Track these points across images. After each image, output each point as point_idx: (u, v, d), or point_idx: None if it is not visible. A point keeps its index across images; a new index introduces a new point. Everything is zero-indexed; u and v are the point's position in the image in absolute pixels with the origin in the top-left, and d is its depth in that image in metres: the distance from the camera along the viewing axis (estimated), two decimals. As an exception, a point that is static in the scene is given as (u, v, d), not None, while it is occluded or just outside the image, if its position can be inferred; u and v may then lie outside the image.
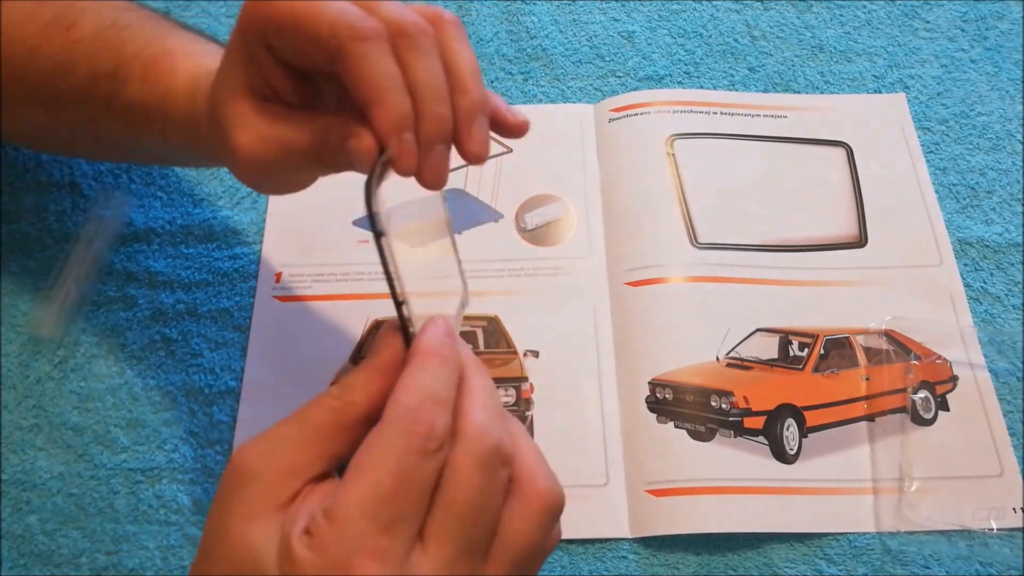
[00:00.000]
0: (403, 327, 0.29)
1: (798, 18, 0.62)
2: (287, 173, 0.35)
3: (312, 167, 0.34)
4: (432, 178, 0.30)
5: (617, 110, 0.57)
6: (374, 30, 0.29)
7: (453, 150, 0.31)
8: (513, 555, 0.28)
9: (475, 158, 0.31)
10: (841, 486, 0.45)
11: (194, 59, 0.39)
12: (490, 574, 0.27)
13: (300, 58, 0.31)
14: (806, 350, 0.48)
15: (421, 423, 0.26)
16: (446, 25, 0.31)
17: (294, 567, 0.25)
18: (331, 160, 0.32)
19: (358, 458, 0.27)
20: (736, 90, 0.59)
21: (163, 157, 0.48)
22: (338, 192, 0.54)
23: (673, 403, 0.46)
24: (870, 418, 0.46)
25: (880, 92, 0.59)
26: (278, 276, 0.51)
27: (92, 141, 0.46)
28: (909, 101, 0.58)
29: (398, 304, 0.29)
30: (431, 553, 0.26)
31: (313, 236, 0.52)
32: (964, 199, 0.54)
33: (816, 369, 0.48)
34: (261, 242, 0.52)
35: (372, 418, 0.28)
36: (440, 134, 0.30)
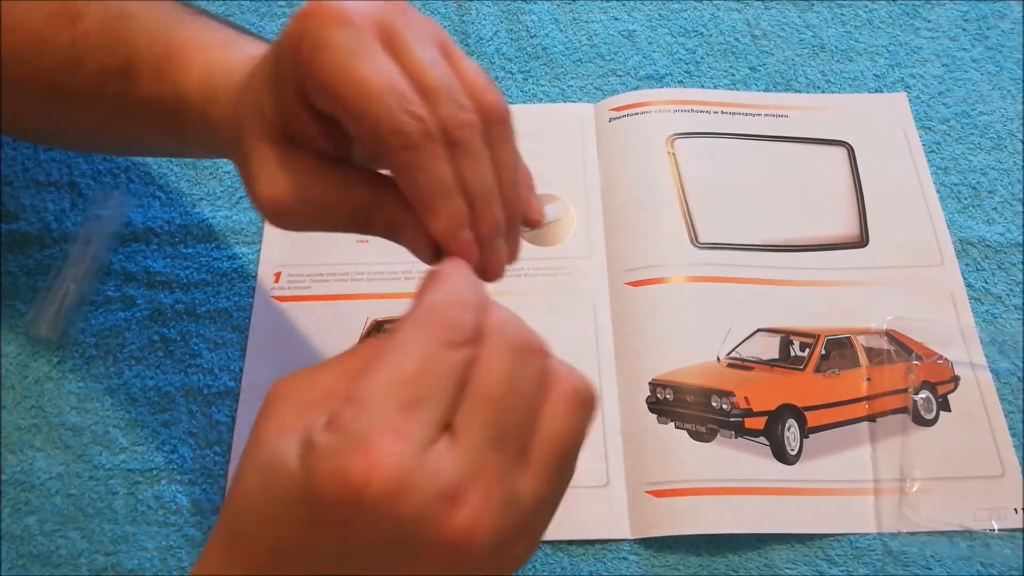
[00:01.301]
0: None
1: (799, 17, 0.62)
2: (315, 228, 0.33)
3: (344, 230, 0.32)
4: (494, 272, 0.31)
5: (617, 109, 0.57)
6: (424, 134, 0.27)
7: None
8: (551, 451, 0.26)
9: (510, 261, 0.32)
10: (842, 487, 0.44)
11: (207, 53, 0.35)
12: (530, 470, 0.26)
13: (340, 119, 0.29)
14: (807, 350, 0.48)
15: (447, 316, 0.25)
16: (494, 126, 0.29)
17: (312, 453, 0.24)
18: (368, 231, 0.31)
19: (379, 351, 0.25)
20: (737, 89, 0.58)
21: (181, 152, 0.47)
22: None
23: (674, 403, 0.46)
24: (871, 418, 0.46)
25: (881, 91, 0.58)
26: (277, 276, 0.51)
27: (104, 138, 0.44)
28: (910, 100, 0.58)
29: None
30: (458, 441, 0.24)
31: (312, 236, 0.51)
32: (965, 199, 0.54)
33: (817, 369, 0.48)
34: (260, 242, 0.52)
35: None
36: (496, 232, 0.30)
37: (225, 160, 0.55)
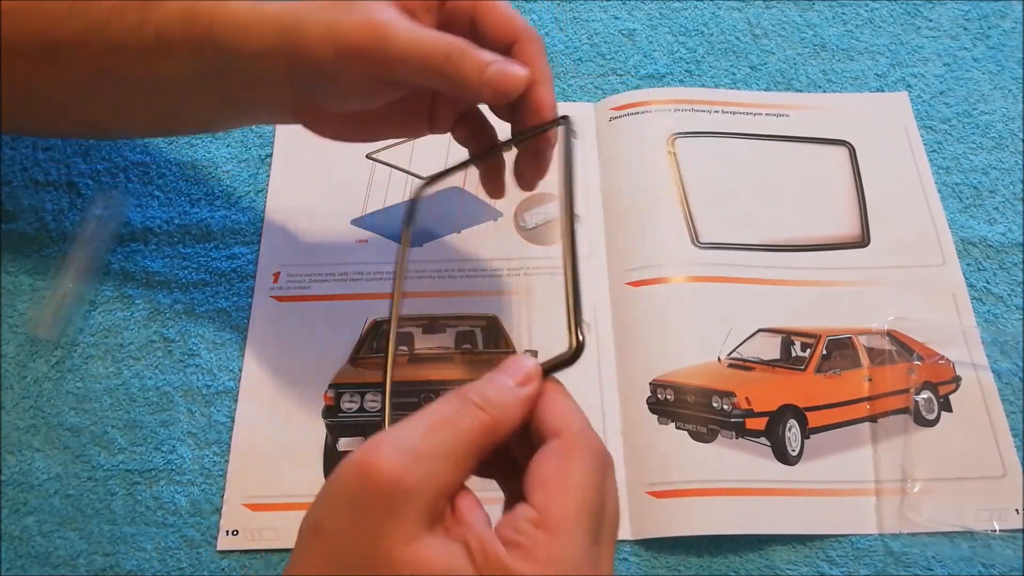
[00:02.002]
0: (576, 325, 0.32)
1: (800, 16, 0.62)
2: (380, 88, 0.37)
3: (410, 83, 0.37)
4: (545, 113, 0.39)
5: (618, 109, 0.57)
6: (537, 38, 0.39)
7: None
8: (615, 536, 0.30)
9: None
10: (843, 487, 0.44)
11: None
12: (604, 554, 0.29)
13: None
14: (808, 350, 0.48)
15: (600, 445, 0.30)
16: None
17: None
18: (435, 73, 0.36)
19: (558, 475, 0.28)
20: (738, 89, 0.58)
21: (164, 107, 0.43)
22: (337, 192, 0.54)
23: (674, 404, 0.46)
24: (873, 419, 0.46)
25: (882, 91, 0.58)
26: (276, 276, 0.51)
27: (91, 97, 0.42)
28: (912, 100, 0.58)
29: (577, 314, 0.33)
30: (604, 556, 0.28)
31: (311, 236, 0.52)
32: (967, 198, 0.54)
33: (818, 370, 0.47)
34: (259, 242, 0.52)
35: (508, 439, 0.29)
36: (550, 106, 0.39)
37: (224, 160, 0.55)
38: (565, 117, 0.37)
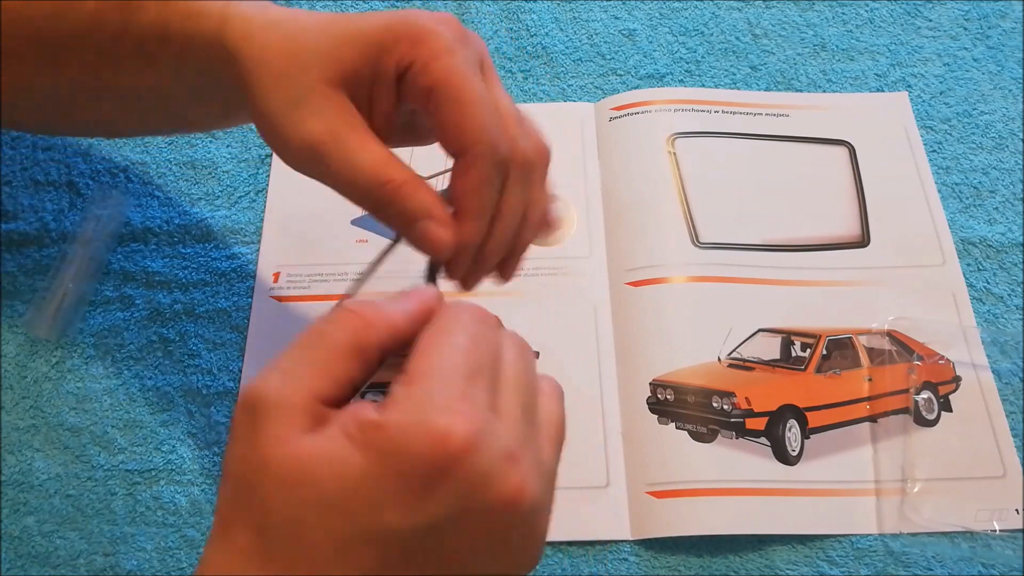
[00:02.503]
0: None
1: (800, 16, 0.62)
2: (331, 180, 0.35)
3: (355, 194, 0.35)
4: (470, 287, 0.37)
5: (618, 109, 0.57)
6: (506, 156, 0.33)
7: None
8: (554, 431, 0.30)
9: (506, 282, 0.38)
10: (843, 487, 0.44)
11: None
12: (546, 446, 0.29)
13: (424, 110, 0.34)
14: (808, 350, 0.48)
15: (479, 308, 0.29)
16: (539, 168, 0.36)
17: (379, 431, 0.25)
18: (379, 208, 0.34)
19: (426, 334, 0.28)
20: (738, 89, 0.58)
21: (166, 111, 0.42)
22: (336, 192, 0.54)
23: (674, 404, 0.46)
24: (873, 419, 0.46)
25: (882, 91, 0.58)
26: (276, 276, 0.51)
27: (93, 99, 0.41)
28: (911, 100, 0.58)
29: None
30: (501, 412, 0.27)
31: (311, 236, 0.52)
32: (967, 198, 0.54)
33: (818, 370, 0.47)
34: (259, 242, 0.52)
35: (388, 349, 0.29)
36: (496, 260, 0.36)
37: (224, 160, 0.55)
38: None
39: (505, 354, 0.29)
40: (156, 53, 0.36)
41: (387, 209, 0.34)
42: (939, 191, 0.54)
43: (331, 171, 0.33)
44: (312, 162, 0.34)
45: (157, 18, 0.36)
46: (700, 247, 0.51)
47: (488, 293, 0.50)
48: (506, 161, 0.33)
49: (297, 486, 0.26)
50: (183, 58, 0.36)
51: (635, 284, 0.50)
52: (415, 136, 0.38)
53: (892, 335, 0.49)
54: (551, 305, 0.50)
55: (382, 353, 0.29)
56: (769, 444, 0.45)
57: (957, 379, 0.47)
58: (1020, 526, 0.43)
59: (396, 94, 0.34)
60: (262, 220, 0.53)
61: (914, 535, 0.43)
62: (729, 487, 0.44)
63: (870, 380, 0.47)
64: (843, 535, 0.43)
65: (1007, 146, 0.56)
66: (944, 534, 0.43)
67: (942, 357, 0.48)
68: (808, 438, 0.46)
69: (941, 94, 0.58)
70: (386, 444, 0.25)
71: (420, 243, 0.34)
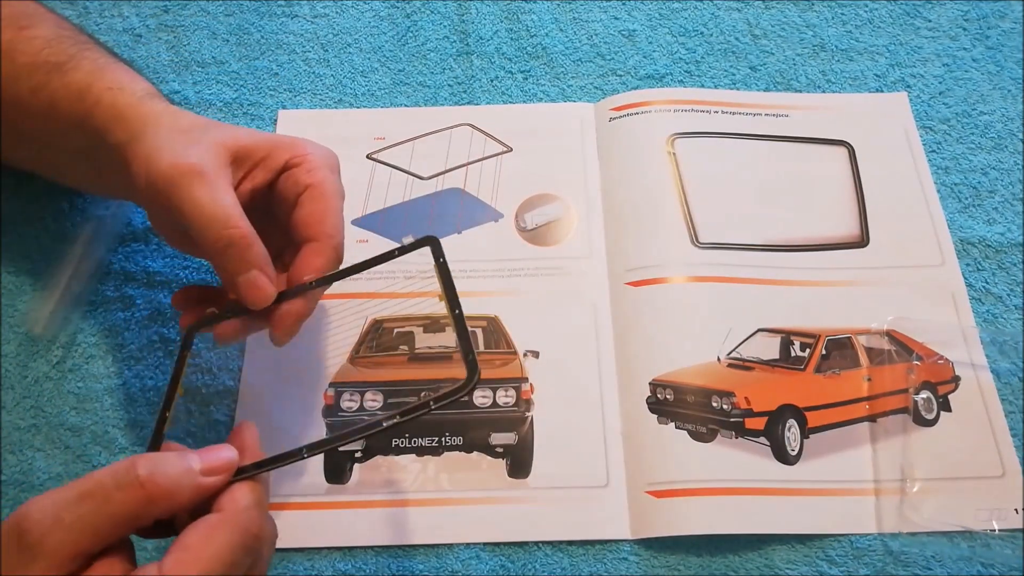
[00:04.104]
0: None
1: (799, 17, 0.62)
2: (178, 216, 0.38)
3: (198, 240, 0.38)
4: (281, 344, 0.41)
5: (618, 109, 0.57)
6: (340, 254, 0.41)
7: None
8: None
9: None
10: (843, 487, 0.44)
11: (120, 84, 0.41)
12: None
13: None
14: (808, 350, 0.48)
15: (254, 525, 0.31)
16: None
17: None
18: (216, 255, 0.38)
19: (198, 543, 0.30)
20: (737, 89, 0.58)
21: (65, 168, 0.48)
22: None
23: (674, 404, 0.46)
24: (872, 419, 0.46)
25: (882, 91, 0.58)
26: (277, 276, 0.51)
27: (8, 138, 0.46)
28: (911, 100, 0.58)
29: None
30: None
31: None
32: (966, 199, 0.54)
33: (818, 369, 0.48)
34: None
35: (171, 514, 0.31)
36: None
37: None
38: (432, 238, 0.38)
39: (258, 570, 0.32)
40: (63, 113, 0.41)
41: (227, 251, 0.37)
42: (938, 191, 0.54)
43: (186, 202, 0.37)
44: (176, 186, 0.37)
45: (81, 82, 0.41)
46: (700, 247, 0.51)
47: (486, 293, 0.50)
48: (338, 256, 0.40)
49: None
50: (84, 120, 0.41)
51: (635, 284, 0.50)
52: None
53: (891, 335, 0.49)
54: (551, 305, 0.50)
55: (158, 519, 0.31)
56: (768, 444, 0.45)
57: (956, 379, 0.47)
58: (1019, 526, 0.43)
59: (270, 180, 0.41)
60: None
61: (913, 535, 0.43)
62: (729, 487, 0.44)
63: (869, 380, 0.47)
64: (842, 535, 0.43)
65: (1006, 146, 0.56)
66: (943, 534, 0.43)
67: (941, 357, 0.48)
68: (807, 438, 0.46)
69: (940, 94, 0.58)
70: None
71: (246, 289, 0.38)
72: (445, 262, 0.37)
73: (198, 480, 0.31)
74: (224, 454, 0.33)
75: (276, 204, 0.41)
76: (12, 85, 0.43)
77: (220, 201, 0.37)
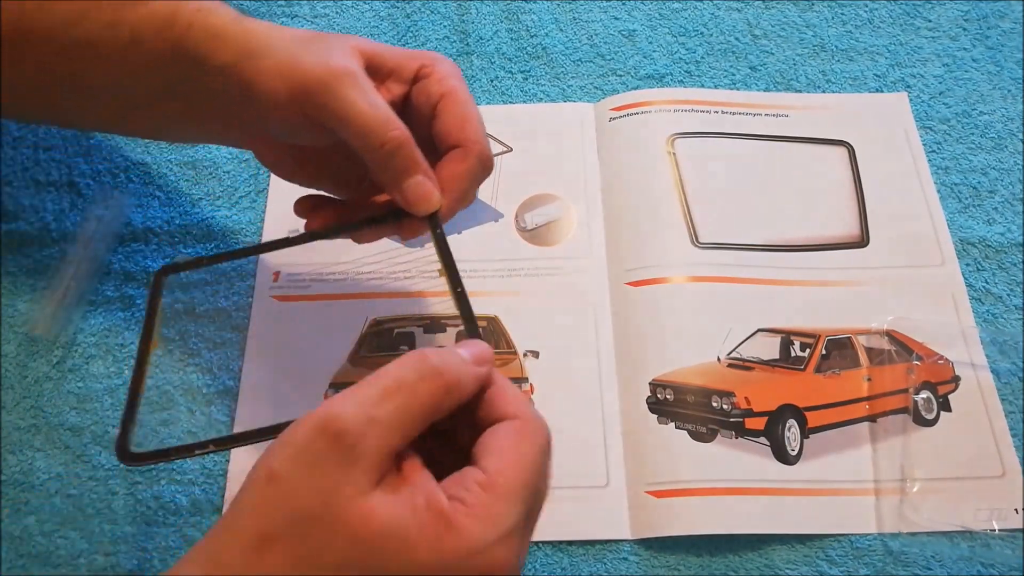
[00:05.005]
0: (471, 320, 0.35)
1: (799, 17, 0.62)
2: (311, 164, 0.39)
3: (336, 175, 0.39)
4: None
5: (618, 109, 0.57)
6: (486, 160, 0.40)
7: None
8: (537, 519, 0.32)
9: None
10: (843, 487, 0.44)
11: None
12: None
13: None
14: (808, 350, 0.48)
15: (546, 429, 0.31)
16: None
17: (457, 533, 0.27)
18: (369, 147, 0.36)
19: (512, 448, 0.30)
20: (737, 89, 0.58)
21: (137, 113, 0.42)
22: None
23: (674, 404, 0.46)
24: (872, 419, 0.46)
25: (882, 91, 0.58)
26: (276, 275, 0.51)
27: (65, 91, 0.41)
28: (911, 100, 0.58)
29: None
30: (528, 537, 0.30)
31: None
32: (966, 199, 0.54)
33: (818, 369, 0.48)
34: (260, 242, 0.52)
35: (458, 407, 0.30)
36: None
37: (224, 160, 0.55)
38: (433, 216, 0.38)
39: (545, 479, 0.31)
40: (149, 42, 0.38)
41: (390, 157, 0.36)
42: (938, 191, 0.54)
43: (345, 105, 0.35)
44: (326, 94, 0.35)
45: (163, 9, 0.38)
46: (700, 247, 0.51)
47: (486, 293, 0.50)
48: (486, 161, 0.39)
49: (365, 550, 0.27)
50: (177, 47, 0.37)
51: (635, 284, 0.50)
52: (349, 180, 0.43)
53: (891, 335, 0.49)
54: (551, 305, 0.50)
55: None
56: (768, 444, 0.45)
57: (956, 379, 0.47)
58: (1019, 526, 0.43)
59: (405, 92, 0.40)
60: (262, 220, 0.53)
61: (913, 535, 0.43)
62: (728, 487, 0.44)
63: (869, 380, 0.47)
64: (842, 535, 0.43)
65: (1006, 146, 0.56)
66: (943, 534, 0.43)
67: (941, 357, 0.48)
68: (807, 438, 0.46)
69: (940, 94, 0.58)
70: (453, 550, 0.27)
71: (413, 195, 0.37)
72: (443, 233, 0.37)
73: (474, 369, 0.31)
74: (483, 345, 0.32)
75: (410, 115, 0.40)
76: (80, 23, 0.38)
77: (380, 103, 0.36)
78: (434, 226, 0.38)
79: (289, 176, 0.42)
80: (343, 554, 0.27)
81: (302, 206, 0.42)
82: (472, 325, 0.34)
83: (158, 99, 0.40)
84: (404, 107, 0.40)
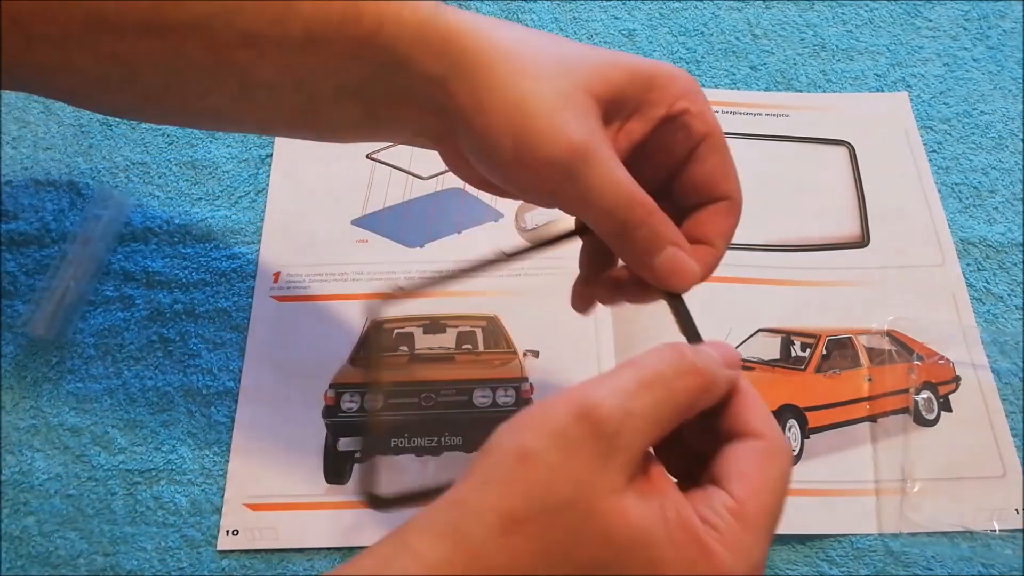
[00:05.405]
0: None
1: (800, 16, 0.62)
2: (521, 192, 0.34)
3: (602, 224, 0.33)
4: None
5: (618, 109, 0.57)
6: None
7: None
8: None
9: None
10: (843, 487, 0.44)
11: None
12: None
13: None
14: (808, 350, 0.48)
15: (789, 450, 0.29)
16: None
17: (710, 561, 0.26)
18: (612, 225, 0.32)
19: (760, 474, 0.28)
20: (737, 89, 0.58)
21: (308, 114, 0.36)
22: (337, 192, 0.54)
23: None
24: (872, 419, 0.46)
25: (882, 91, 0.58)
26: (276, 276, 0.51)
27: (220, 90, 0.35)
28: (911, 100, 0.58)
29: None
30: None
31: (312, 236, 0.52)
32: (967, 198, 0.54)
33: (818, 369, 0.47)
34: (259, 241, 0.52)
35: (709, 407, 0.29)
36: None
37: (224, 160, 0.55)
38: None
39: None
40: (328, 38, 0.32)
41: (636, 231, 0.32)
42: (939, 191, 0.54)
43: (582, 190, 0.31)
44: (564, 172, 0.31)
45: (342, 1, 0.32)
46: (700, 247, 0.51)
47: (486, 293, 0.50)
48: (736, 211, 0.35)
49: (614, 552, 0.25)
50: (366, 44, 0.32)
51: (635, 284, 0.50)
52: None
53: (892, 335, 0.49)
54: (551, 305, 0.50)
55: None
56: (769, 444, 0.45)
57: (957, 379, 0.47)
58: (1020, 526, 0.43)
59: (651, 131, 0.33)
60: (262, 220, 0.53)
61: (914, 535, 0.43)
62: (729, 487, 0.44)
63: (870, 380, 0.47)
64: (843, 535, 0.43)
65: (1007, 146, 0.56)
66: (944, 534, 0.43)
67: (942, 357, 0.48)
68: (808, 438, 0.46)
69: (941, 94, 0.58)
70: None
71: (664, 271, 0.33)
72: (686, 309, 0.33)
73: (727, 372, 0.29)
74: (730, 347, 0.30)
75: (652, 155, 0.34)
76: (234, 20, 0.32)
77: (621, 180, 0.31)
78: (677, 303, 0.34)
79: (478, 186, 0.36)
80: (592, 552, 0.25)
81: (579, 301, 0.39)
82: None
83: (336, 101, 0.34)
84: (646, 145, 0.34)
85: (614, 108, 0.32)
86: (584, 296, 0.38)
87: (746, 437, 0.29)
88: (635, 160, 0.33)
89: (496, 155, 0.32)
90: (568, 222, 0.37)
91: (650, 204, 0.32)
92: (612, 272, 0.37)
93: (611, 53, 0.33)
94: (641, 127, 0.33)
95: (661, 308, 0.50)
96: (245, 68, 0.33)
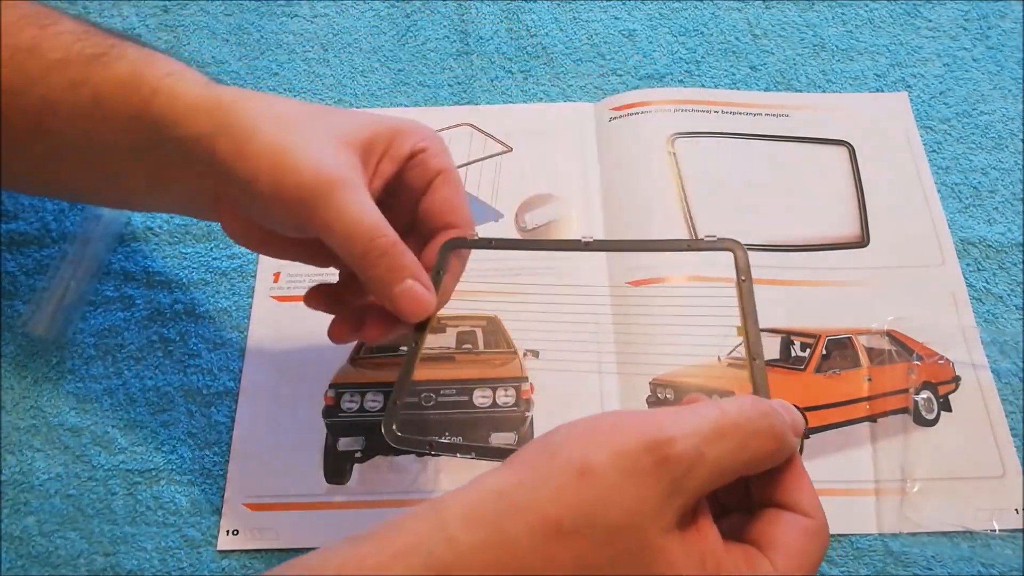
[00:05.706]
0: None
1: (800, 16, 0.62)
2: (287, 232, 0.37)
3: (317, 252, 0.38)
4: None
5: (618, 109, 0.57)
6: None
7: None
8: None
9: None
10: (843, 487, 0.44)
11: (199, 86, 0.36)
12: None
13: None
14: (808, 350, 0.48)
15: (828, 531, 0.30)
16: None
17: None
18: (355, 256, 0.35)
19: (802, 552, 0.29)
20: (738, 89, 0.58)
21: (102, 180, 0.40)
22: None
23: (675, 403, 0.46)
24: (872, 419, 0.46)
25: (882, 91, 0.58)
26: (276, 276, 0.51)
27: (29, 155, 0.39)
28: (911, 100, 0.58)
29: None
30: None
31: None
32: (966, 198, 0.54)
33: (818, 369, 0.47)
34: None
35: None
36: None
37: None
38: (736, 243, 0.36)
39: None
40: (112, 105, 0.36)
41: (377, 263, 0.35)
42: (939, 191, 0.54)
43: (331, 215, 0.34)
44: (313, 203, 0.34)
45: (129, 72, 0.36)
46: (700, 247, 0.51)
47: (486, 293, 0.50)
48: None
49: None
50: (142, 112, 0.36)
51: (635, 283, 0.50)
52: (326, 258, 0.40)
53: (892, 335, 0.49)
54: (551, 305, 0.50)
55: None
56: (769, 444, 0.45)
57: (957, 379, 0.47)
58: (1020, 526, 0.43)
59: (397, 171, 0.38)
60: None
61: (914, 535, 0.43)
62: (729, 487, 0.44)
63: (870, 380, 0.47)
64: (842, 535, 0.43)
65: (1007, 146, 0.56)
66: (944, 534, 0.43)
67: (942, 357, 0.48)
68: (807, 438, 0.46)
69: (941, 94, 0.58)
70: None
71: (405, 301, 0.35)
72: (750, 280, 0.34)
73: (793, 440, 0.29)
74: (799, 415, 0.31)
75: (399, 193, 0.39)
76: (43, 82, 0.36)
77: (366, 210, 0.34)
78: (740, 279, 0.35)
79: (257, 249, 0.40)
80: None
81: (312, 299, 0.42)
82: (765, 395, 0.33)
83: (127, 163, 0.38)
84: (394, 184, 0.39)
85: (367, 152, 0.37)
86: (339, 326, 0.40)
87: (795, 511, 0.29)
88: (387, 199, 0.38)
89: (255, 191, 0.34)
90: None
91: (392, 236, 0.35)
92: (363, 303, 0.40)
93: (366, 113, 0.39)
94: (390, 167, 0.38)
95: (661, 308, 0.50)
96: (49, 131, 0.37)
